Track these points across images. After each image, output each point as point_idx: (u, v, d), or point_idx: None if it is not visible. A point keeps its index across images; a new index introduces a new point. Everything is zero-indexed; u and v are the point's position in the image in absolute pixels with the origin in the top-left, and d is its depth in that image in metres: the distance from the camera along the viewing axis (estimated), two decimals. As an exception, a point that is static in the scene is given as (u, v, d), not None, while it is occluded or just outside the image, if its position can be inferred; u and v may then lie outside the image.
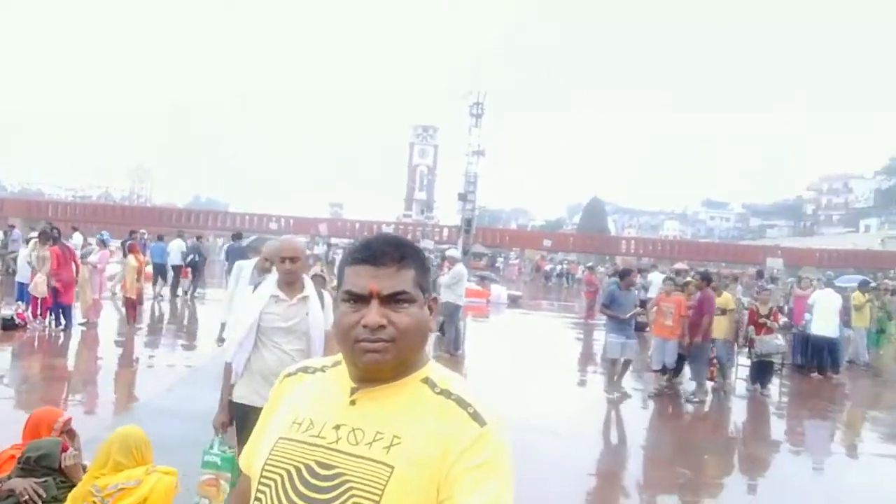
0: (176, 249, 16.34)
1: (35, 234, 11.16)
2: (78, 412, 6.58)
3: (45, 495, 2.80)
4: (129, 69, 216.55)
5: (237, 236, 15.20)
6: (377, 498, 1.02)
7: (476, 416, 1.09)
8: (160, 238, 17.99)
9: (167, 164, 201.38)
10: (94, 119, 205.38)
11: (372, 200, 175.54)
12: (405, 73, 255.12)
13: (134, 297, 10.81)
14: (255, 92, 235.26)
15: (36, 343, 9.65)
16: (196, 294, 16.43)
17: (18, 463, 2.93)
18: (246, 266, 5.89)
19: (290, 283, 3.18)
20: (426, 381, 1.15)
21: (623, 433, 7.42)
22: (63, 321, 10.12)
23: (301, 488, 1.06)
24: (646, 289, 16.28)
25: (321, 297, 3.29)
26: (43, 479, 2.84)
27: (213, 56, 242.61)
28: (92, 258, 10.77)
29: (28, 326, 10.03)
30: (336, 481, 1.05)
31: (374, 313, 1.09)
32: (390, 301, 1.11)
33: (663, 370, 8.77)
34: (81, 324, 10.56)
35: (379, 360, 1.10)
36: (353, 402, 1.13)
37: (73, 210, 47.14)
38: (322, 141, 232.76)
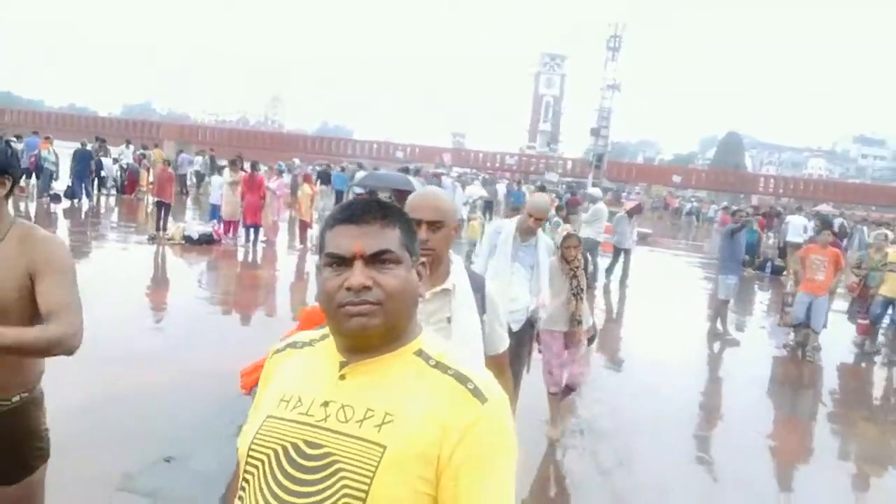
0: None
1: (227, 161, 12.89)
2: (261, 313, 8.08)
3: None
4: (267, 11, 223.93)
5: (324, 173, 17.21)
6: (368, 479, 0.96)
7: (476, 393, 1.02)
8: (343, 169, 20.26)
9: (298, 92, 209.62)
10: (233, 49, 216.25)
11: (494, 131, 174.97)
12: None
13: (308, 220, 12.35)
14: (381, 22, 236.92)
15: (228, 256, 11.40)
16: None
17: None
18: (506, 227, 4.29)
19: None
20: (420, 353, 1.09)
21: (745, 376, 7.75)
22: (252, 238, 11.81)
23: (288, 468, 1.00)
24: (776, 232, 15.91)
25: (478, 290, 2.04)
26: None
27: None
28: (271, 185, 12.29)
29: (221, 242, 11.83)
30: (325, 461, 0.99)
31: (357, 274, 1.03)
32: (375, 261, 1.04)
33: (803, 325, 7.90)
34: (262, 241, 12.23)
35: (366, 325, 1.03)
36: (342, 377, 1.06)
37: (216, 134, 50.77)
38: (445, 71, 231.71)
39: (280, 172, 13.74)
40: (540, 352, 4.66)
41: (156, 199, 12.09)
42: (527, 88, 79.01)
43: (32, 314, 1.81)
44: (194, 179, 22.30)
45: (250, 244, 11.88)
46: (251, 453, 1.04)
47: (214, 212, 12.63)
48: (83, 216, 14.93)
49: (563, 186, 32.13)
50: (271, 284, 9.87)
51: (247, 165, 12.72)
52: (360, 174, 17.56)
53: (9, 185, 1.82)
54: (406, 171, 17.27)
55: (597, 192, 13.74)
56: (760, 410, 6.16)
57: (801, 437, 5.75)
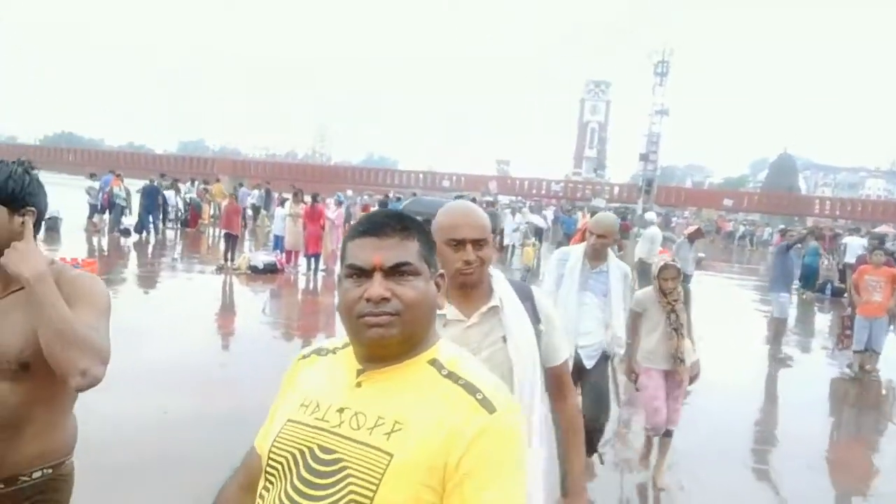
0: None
1: (290, 194, 13.49)
2: (321, 337, 8.38)
3: None
4: (308, 39, 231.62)
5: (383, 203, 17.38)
6: (374, 486, 0.99)
7: (485, 403, 1.03)
8: (398, 199, 20.97)
9: (344, 124, 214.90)
10: (281, 85, 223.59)
11: (539, 158, 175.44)
12: (573, 27, 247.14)
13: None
14: (424, 52, 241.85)
15: (290, 284, 11.88)
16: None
17: None
18: (573, 253, 3.95)
19: (465, 287, 1.79)
20: (433, 362, 1.10)
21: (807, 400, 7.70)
22: (312, 266, 12.29)
23: (304, 473, 1.04)
24: (834, 254, 15.68)
25: (527, 298, 1.89)
26: None
27: (384, 20, 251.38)
28: (330, 215, 12.78)
29: (284, 271, 12.34)
30: (336, 466, 1.02)
31: (377, 285, 1.05)
32: (394, 273, 1.07)
33: (865, 350, 7.67)
34: (322, 270, 12.69)
35: (384, 335, 1.05)
36: (358, 385, 1.09)
37: (265, 168, 52.40)
38: (488, 98, 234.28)
39: (339, 203, 14.28)
40: (637, 389, 4.40)
41: (223, 231, 12.70)
42: (571, 115, 79.37)
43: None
44: (251, 212, 23.20)
45: (311, 272, 12.36)
46: (271, 455, 1.09)
47: (278, 242, 13.20)
48: (152, 249, 15.73)
49: (612, 212, 31.99)
50: (331, 310, 10.25)
51: (307, 197, 13.30)
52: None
53: (32, 217, 1.57)
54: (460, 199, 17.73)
55: (651, 216, 13.83)
56: (825, 432, 6.14)
57: (867, 457, 5.71)
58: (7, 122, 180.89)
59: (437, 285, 1.15)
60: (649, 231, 11.17)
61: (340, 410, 1.07)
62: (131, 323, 6.62)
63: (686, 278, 11.11)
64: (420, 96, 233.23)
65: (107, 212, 17.33)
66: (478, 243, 1.74)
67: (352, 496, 0.99)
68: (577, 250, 3.97)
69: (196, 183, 23.25)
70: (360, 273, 1.07)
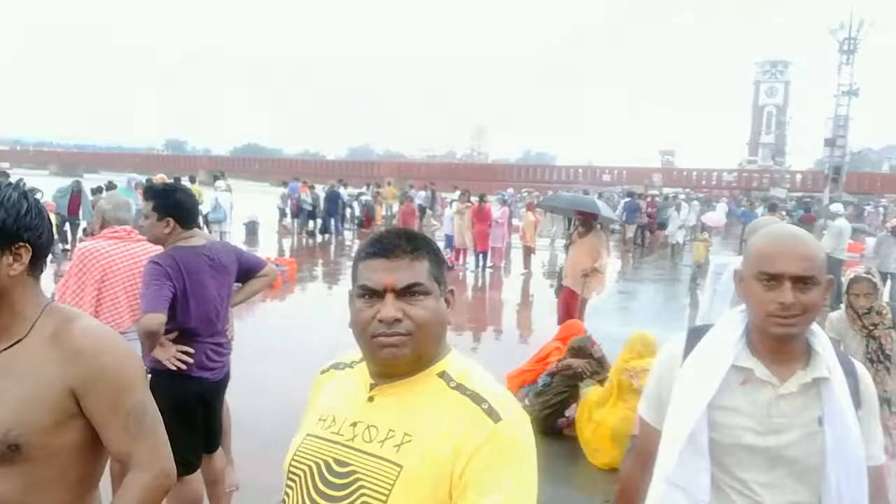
0: None
1: (457, 194, 14.25)
2: (491, 330, 8.81)
3: (591, 369, 4.51)
4: (468, 37, 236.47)
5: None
6: (384, 497, 1.03)
7: (490, 412, 1.06)
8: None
9: (499, 121, 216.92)
10: (440, 85, 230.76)
11: (707, 146, 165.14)
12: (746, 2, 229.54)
13: (532, 246, 13.18)
14: (579, 43, 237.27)
15: (460, 281, 12.54)
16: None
17: (569, 350, 4.71)
18: (730, 266, 3.59)
19: (778, 341, 1.40)
20: (442, 375, 1.13)
21: None
22: (481, 263, 12.89)
23: (320, 485, 1.09)
24: None
25: (849, 374, 1.46)
26: (586, 360, 4.56)
27: (538, 15, 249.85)
28: (495, 213, 13.28)
29: (453, 268, 13.05)
30: (349, 479, 1.06)
31: (389, 307, 1.08)
32: (405, 294, 1.10)
33: None
34: (489, 266, 13.24)
35: (396, 354, 1.09)
36: (370, 399, 1.13)
37: (427, 169, 54.38)
38: (650, 85, 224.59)
39: (503, 202, 14.80)
40: None
41: (399, 232, 13.65)
42: (743, 99, 73.99)
43: (82, 457, 1.27)
44: (418, 212, 24.44)
45: (479, 269, 12.94)
46: (291, 468, 1.14)
47: (448, 241, 13.96)
48: (334, 248, 17.25)
49: (793, 202, 29.58)
50: (499, 306, 10.72)
51: (473, 198, 13.91)
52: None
53: (27, 256, 1.24)
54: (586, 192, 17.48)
55: (838, 207, 12.80)
56: None
57: None
58: (202, 136, 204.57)
59: (447, 301, 1.17)
60: (836, 223, 10.40)
61: (354, 424, 1.12)
62: (330, 312, 7.52)
63: (891, 277, 10.08)
64: (576, 89, 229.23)
65: (295, 216, 19.20)
66: (802, 282, 1.34)
67: None
68: (734, 262, 3.27)
69: (369, 187, 24.96)
70: (372, 294, 1.10)
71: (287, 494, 1.14)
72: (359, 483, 1.05)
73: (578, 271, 6.48)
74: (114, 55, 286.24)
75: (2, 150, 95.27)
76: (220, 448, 3.07)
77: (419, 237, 1.17)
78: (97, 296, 2.99)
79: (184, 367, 2.69)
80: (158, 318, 2.54)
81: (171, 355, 2.66)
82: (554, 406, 4.68)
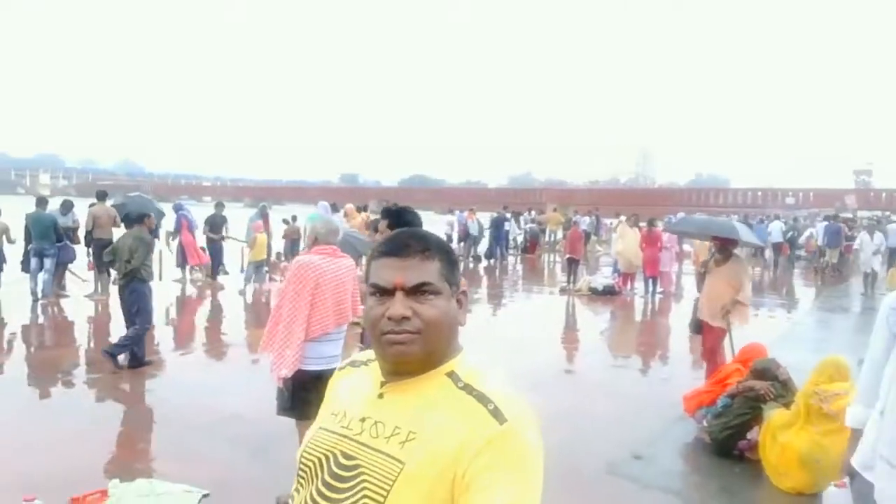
0: (776, 229, 19.70)
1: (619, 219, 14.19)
2: (659, 353, 8.59)
3: (776, 392, 4.43)
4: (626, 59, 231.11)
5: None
6: (385, 492, 1.04)
7: (496, 413, 1.06)
8: (761, 221, 20.72)
9: (669, 144, 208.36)
10: (601, 112, 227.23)
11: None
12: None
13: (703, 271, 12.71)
14: (753, 55, 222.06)
15: (628, 305, 12.44)
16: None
17: (751, 372, 4.66)
18: None
19: None
20: (451, 374, 1.14)
21: None
22: (650, 289, 12.70)
23: (327, 477, 1.11)
24: None
25: None
26: (770, 383, 4.50)
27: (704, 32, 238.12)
28: (665, 238, 13.01)
29: (621, 293, 12.98)
30: (355, 472, 1.08)
31: (398, 305, 1.10)
32: (415, 292, 1.11)
33: None
34: (660, 292, 12.97)
35: (405, 352, 1.10)
36: (380, 396, 1.15)
37: (590, 195, 53.40)
38: (837, 96, 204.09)
39: (651, 223, 14.42)
40: None
41: (567, 256, 13.85)
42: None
43: None
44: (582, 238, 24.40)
45: (649, 294, 12.73)
46: (302, 459, 1.17)
47: (616, 265, 13.89)
48: (499, 272, 17.78)
49: None
50: (666, 330, 10.47)
51: (642, 223, 13.74)
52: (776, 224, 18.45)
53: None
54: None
55: None
56: None
57: None
58: (372, 168, 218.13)
59: (459, 302, 1.18)
60: None
61: (362, 420, 1.14)
62: (492, 330, 7.90)
63: None
64: (752, 106, 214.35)
65: (462, 241, 20.06)
66: None
67: (365, 500, 1.06)
68: None
69: (532, 213, 25.36)
70: (383, 292, 1.12)
71: (299, 484, 1.18)
72: (362, 477, 1.07)
73: (717, 304, 5.94)
74: (292, 98, 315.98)
75: (206, 185, 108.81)
76: None
77: (431, 238, 1.18)
78: (311, 301, 3.59)
79: None
80: None
81: None
82: (734, 427, 4.63)
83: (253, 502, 3.68)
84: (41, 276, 10.24)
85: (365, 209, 17.42)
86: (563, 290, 13.27)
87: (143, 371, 6.54)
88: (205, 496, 2.93)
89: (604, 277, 13.67)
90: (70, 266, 11.19)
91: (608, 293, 12.80)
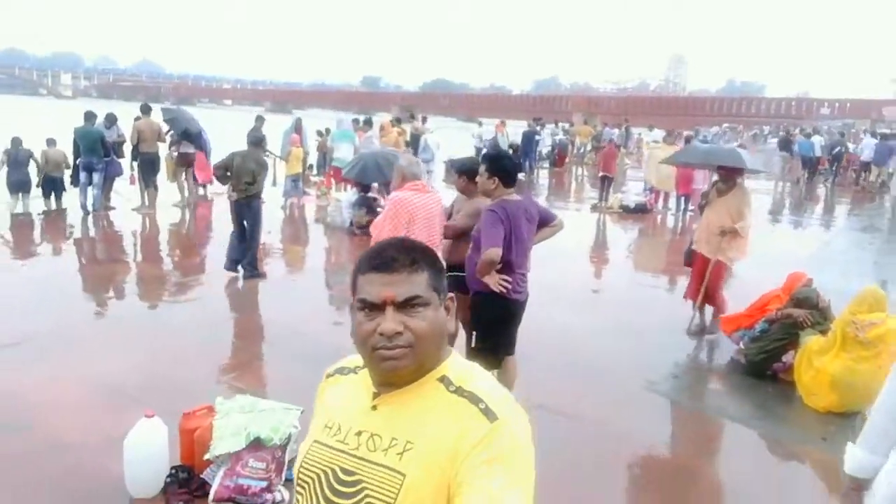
0: (816, 143, 19.85)
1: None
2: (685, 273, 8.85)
3: (813, 320, 4.73)
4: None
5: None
6: None
7: (487, 412, 1.08)
8: (808, 135, 21.02)
9: (701, 47, 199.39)
10: (630, 11, 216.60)
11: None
12: None
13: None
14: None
15: (659, 223, 12.64)
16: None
17: (791, 300, 4.95)
18: None
19: None
20: (442, 379, 1.15)
21: None
22: (682, 206, 12.81)
23: (328, 493, 1.12)
24: None
25: None
26: (809, 311, 4.78)
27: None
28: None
29: (653, 210, 13.16)
30: (357, 487, 1.10)
31: (389, 321, 1.10)
32: (405, 306, 1.12)
33: None
34: (691, 210, 13.05)
35: (397, 366, 1.12)
36: (374, 408, 1.16)
37: (618, 103, 52.06)
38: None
39: (705, 142, 14.38)
40: None
41: (600, 174, 13.79)
42: None
43: None
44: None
45: (680, 213, 12.84)
46: (300, 475, 1.19)
47: (647, 183, 13.94)
48: (527, 188, 17.84)
49: None
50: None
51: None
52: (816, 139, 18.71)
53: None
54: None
55: None
56: None
57: None
58: (393, 71, 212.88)
59: (447, 308, 1.20)
60: None
61: (358, 434, 1.15)
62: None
63: None
64: (789, 7, 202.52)
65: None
66: None
67: None
68: None
69: (559, 125, 25.03)
70: (372, 307, 1.12)
71: (297, 499, 1.19)
72: (365, 492, 1.09)
73: (716, 236, 5.59)
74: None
75: (226, 88, 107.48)
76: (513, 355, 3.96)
77: (417, 249, 1.19)
78: (406, 233, 3.90)
79: (504, 290, 3.57)
80: (497, 252, 3.46)
81: (497, 281, 3.55)
82: (770, 352, 4.96)
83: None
84: (90, 191, 10.60)
85: (399, 122, 17.37)
86: (594, 208, 13.43)
87: (247, 290, 7.02)
88: (303, 412, 3.30)
89: (635, 195, 13.74)
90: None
91: (640, 211, 12.95)
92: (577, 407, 4.48)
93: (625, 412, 4.47)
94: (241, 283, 7.15)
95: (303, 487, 1.17)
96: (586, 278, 8.41)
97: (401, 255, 1.14)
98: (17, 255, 8.53)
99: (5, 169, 10.49)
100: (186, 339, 5.49)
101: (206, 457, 3.25)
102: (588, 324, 6.23)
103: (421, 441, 1.09)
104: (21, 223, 9.96)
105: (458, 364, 1.20)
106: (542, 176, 20.45)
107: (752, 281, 6.87)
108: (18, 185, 10.48)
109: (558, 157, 22.29)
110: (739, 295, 6.10)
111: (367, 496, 1.08)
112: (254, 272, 7.27)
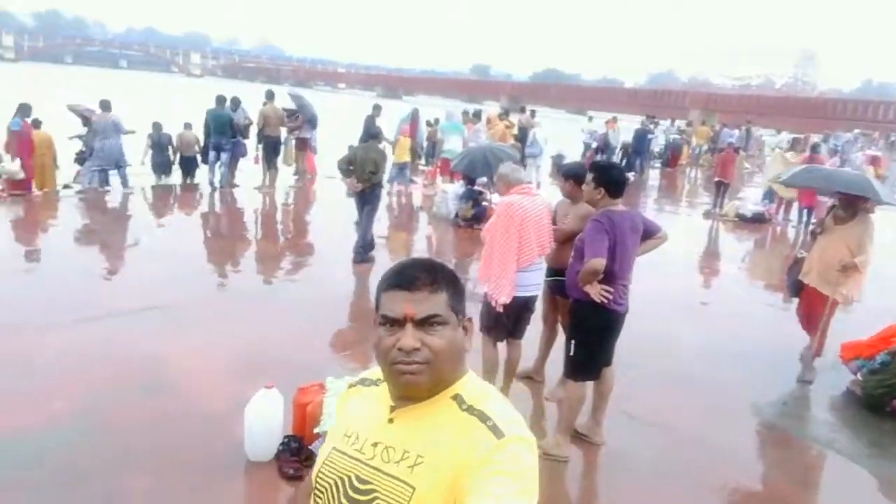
0: None
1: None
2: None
3: None
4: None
5: None
6: None
7: (494, 429, 1.12)
8: None
9: (834, 43, 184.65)
10: (754, 5, 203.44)
11: None
12: None
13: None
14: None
15: (777, 235, 12.02)
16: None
17: None
18: None
19: None
20: (455, 397, 1.20)
21: None
22: (804, 219, 12.09)
23: (343, 500, 1.18)
24: None
25: None
26: None
27: None
28: (826, 164, 12.16)
29: (772, 220, 12.53)
30: (370, 496, 1.15)
31: (408, 337, 1.15)
32: (424, 324, 1.16)
33: None
34: (813, 223, 12.27)
35: (415, 381, 1.16)
36: (390, 420, 1.21)
37: (740, 101, 49.06)
38: None
39: (834, 153, 13.36)
40: None
41: (716, 179, 13.12)
42: None
43: None
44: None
45: (802, 225, 12.11)
46: (318, 480, 1.23)
47: (768, 192, 13.20)
48: (636, 189, 17.33)
49: None
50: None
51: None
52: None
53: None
54: None
55: None
56: None
57: None
58: (504, 60, 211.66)
59: (465, 329, 1.24)
60: None
61: (374, 444, 1.19)
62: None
63: None
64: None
65: (601, 153, 19.57)
66: None
67: None
68: None
69: (675, 123, 24.10)
70: (393, 323, 1.17)
71: (316, 502, 1.25)
72: (377, 501, 1.14)
73: (831, 268, 5.09)
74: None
75: (341, 72, 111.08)
76: (611, 365, 3.94)
77: (439, 269, 1.23)
78: (518, 236, 4.02)
79: (606, 301, 3.57)
80: (601, 262, 3.46)
81: (598, 291, 3.55)
82: (891, 386, 4.66)
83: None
84: (218, 168, 11.45)
85: (507, 114, 17.39)
86: (707, 214, 12.90)
87: (358, 273, 7.37)
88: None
89: (752, 204, 13.06)
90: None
91: (757, 220, 12.34)
92: (673, 419, 4.43)
93: (723, 430, 4.37)
94: (351, 265, 7.50)
95: (321, 492, 1.23)
96: (695, 288, 8.16)
97: (422, 274, 1.19)
98: (158, 222, 9.57)
99: (150, 153, 11.68)
100: (302, 316, 5.87)
101: (316, 430, 3.53)
102: (694, 336, 6.09)
103: (431, 456, 1.13)
104: (161, 195, 11.28)
105: (474, 384, 1.24)
106: (654, 177, 19.80)
107: (877, 309, 6.45)
108: (161, 167, 11.94)
109: (671, 158, 21.50)
110: (863, 321, 5.75)
111: None
112: (364, 256, 7.57)
